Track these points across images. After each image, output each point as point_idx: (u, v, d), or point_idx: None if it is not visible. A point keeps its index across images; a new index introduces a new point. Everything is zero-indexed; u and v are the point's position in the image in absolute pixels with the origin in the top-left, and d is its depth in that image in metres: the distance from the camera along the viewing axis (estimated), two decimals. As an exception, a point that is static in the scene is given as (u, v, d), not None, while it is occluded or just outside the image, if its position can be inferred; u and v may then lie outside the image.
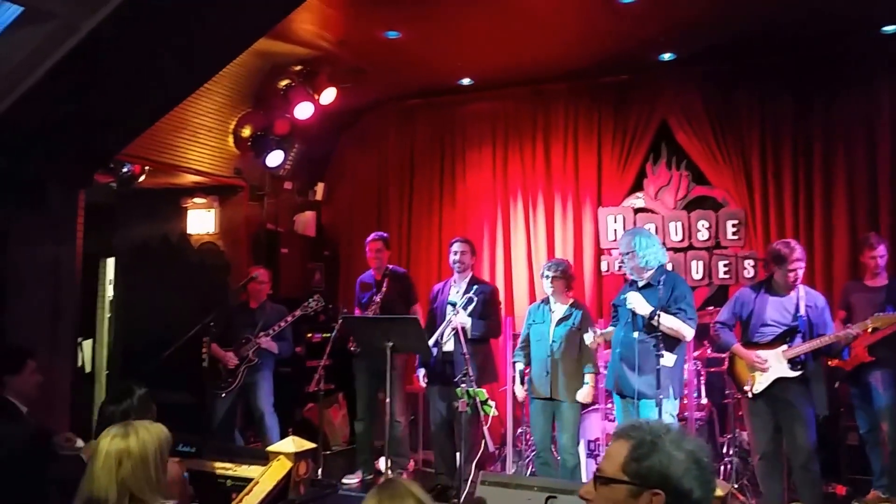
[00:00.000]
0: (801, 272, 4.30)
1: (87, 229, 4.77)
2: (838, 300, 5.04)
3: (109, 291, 7.03)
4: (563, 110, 6.61)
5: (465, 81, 6.65)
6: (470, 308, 4.89)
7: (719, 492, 3.42)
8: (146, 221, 6.69)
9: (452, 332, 4.81)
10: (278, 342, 5.47)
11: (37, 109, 3.86)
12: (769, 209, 5.88)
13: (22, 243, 4.41)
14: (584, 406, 4.80)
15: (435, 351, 4.91)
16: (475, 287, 5.01)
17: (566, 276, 4.82)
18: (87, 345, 6.86)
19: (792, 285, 4.30)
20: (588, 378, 4.66)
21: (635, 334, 4.10)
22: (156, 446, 2.12)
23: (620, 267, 4.38)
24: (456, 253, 5.22)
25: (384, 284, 5.43)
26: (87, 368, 6.90)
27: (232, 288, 6.10)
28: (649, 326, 4.08)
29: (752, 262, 5.87)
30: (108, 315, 6.99)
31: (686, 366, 4.70)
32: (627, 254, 4.23)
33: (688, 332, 4.15)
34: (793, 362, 4.22)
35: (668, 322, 4.04)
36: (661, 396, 3.94)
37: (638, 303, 4.13)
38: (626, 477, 1.49)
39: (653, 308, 4.06)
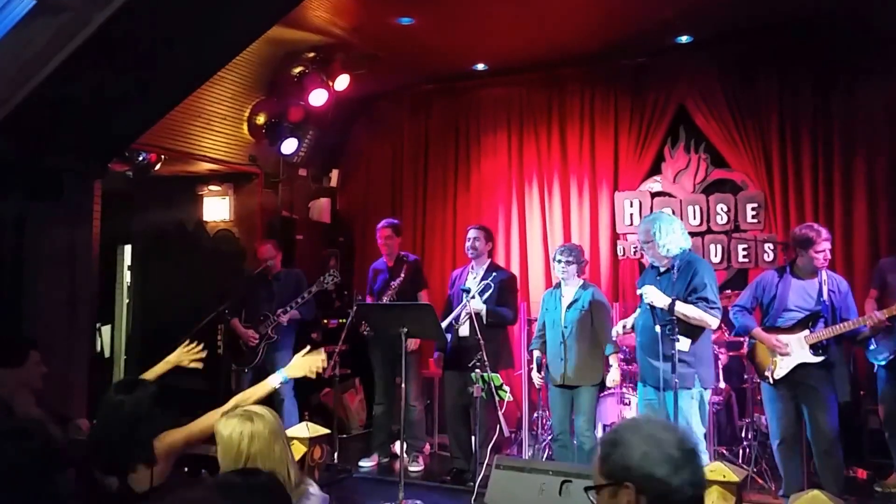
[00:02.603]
0: (828, 254, 4.23)
1: (105, 217, 4.81)
2: (871, 277, 4.93)
3: (127, 278, 7.11)
4: (579, 94, 6.54)
5: (480, 67, 6.60)
6: (486, 295, 4.88)
7: (735, 476, 3.41)
8: (162, 209, 6.74)
9: (467, 318, 4.80)
10: (299, 309, 5.50)
11: (51, 100, 3.88)
12: (789, 192, 5.79)
13: (39, 232, 4.47)
14: (602, 389, 4.77)
15: (449, 336, 4.91)
16: (493, 274, 5.00)
17: (577, 261, 4.79)
18: (105, 330, 6.96)
19: (820, 268, 4.24)
20: (613, 360, 4.63)
21: (657, 328, 3.99)
22: (274, 427, 2.18)
23: (641, 253, 4.29)
24: (469, 239, 5.22)
25: (402, 270, 5.43)
26: (106, 354, 7.00)
27: (247, 274, 6.13)
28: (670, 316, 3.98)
29: (771, 246, 5.79)
30: (126, 301, 7.08)
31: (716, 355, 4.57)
32: (647, 242, 4.11)
33: (712, 321, 4.03)
34: (815, 347, 4.16)
35: (688, 312, 3.95)
36: (676, 381, 3.89)
37: (655, 296, 4.02)
38: (603, 480, 1.49)
39: (671, 299, 3.94)
